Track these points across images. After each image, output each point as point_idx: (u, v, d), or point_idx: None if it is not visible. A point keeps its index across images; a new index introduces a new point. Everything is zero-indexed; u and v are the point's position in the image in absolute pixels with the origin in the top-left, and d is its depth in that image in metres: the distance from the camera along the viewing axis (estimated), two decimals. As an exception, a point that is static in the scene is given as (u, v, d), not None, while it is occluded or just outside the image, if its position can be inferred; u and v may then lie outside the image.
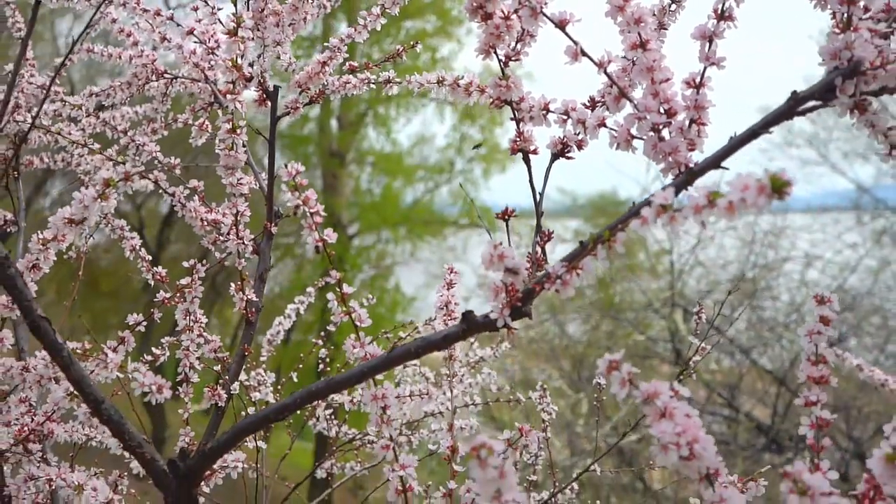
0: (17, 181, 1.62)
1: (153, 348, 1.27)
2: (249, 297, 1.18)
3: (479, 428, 1.64)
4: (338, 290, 0.86)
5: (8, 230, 1.60)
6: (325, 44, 1.39)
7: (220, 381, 1.19)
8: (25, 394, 1.13)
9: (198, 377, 1.19)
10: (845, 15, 0.69)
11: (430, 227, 11.01)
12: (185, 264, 1.17)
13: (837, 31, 0.69)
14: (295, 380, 1.94)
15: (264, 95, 1.32)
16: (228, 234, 1.21)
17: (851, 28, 0.69)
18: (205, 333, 1.23)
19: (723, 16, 0.77)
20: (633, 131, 0.79)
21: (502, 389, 1.98)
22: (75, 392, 1.01)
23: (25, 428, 1.14)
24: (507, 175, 10.54)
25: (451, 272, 1.17)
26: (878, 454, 0.51)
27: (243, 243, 1.18)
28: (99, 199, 0.96)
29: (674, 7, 0.89)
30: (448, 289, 1.14)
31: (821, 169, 8.69)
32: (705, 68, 0.77)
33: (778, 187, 0.53)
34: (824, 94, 0.69)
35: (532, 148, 0.88)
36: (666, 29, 0.88)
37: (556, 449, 6.56)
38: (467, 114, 10.47)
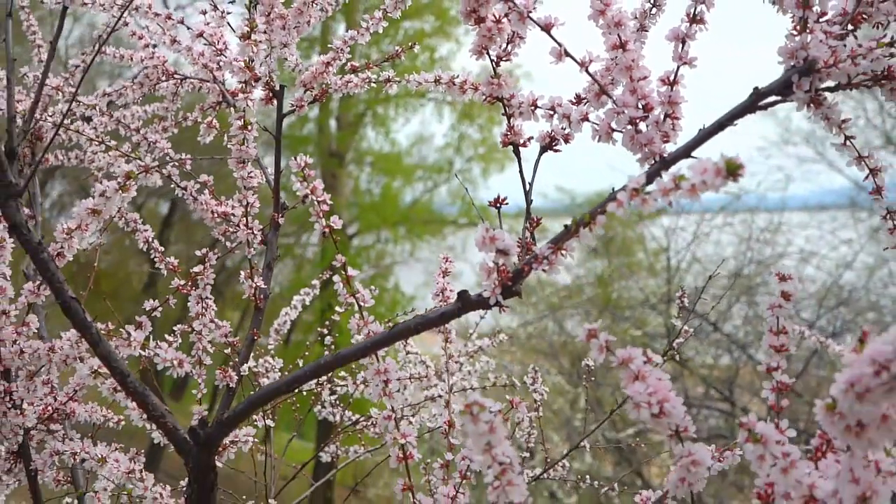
0: (34, 177, 1.69)
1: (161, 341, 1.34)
2: (258, 283, 1.25)
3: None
4: (343, 272, 0.94)
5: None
6: (328, 45, 1.46)
7: (231, 363, 1.26)
8: (49, 376, 1.20)
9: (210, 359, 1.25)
10: (801, 18, 0.76)
11: (430, 226, 11.08)
12: (198, 253, 1.24)
13: (794, 32, 0.76)
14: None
15: (271, 94, 1.39)
16: (238, 224, 1.28)
17: (807, 30, 0.76)
18: (215, 319, 1.30)
19: (694, 19, 0.85)
20: (613, 125, 0.87)
21: (499, 378, 2.05)
22: (99, 370, 1.09)
23: (49, 408, 1.21)
24: (505, 175, 10.62)
25: (447, 261, 1.24)
26: (820, 403, 0.58)
27: (253, 233, 1.25)
28: (120, 191, 1.03)
29: (654, 10, 0.96)
30: (443, 276, 1.21)
31: (818, 166, 8.76)
32: (678, 67, 0.84)
33: (732, 170, 0.60)
34: (783, 90, 0.76)
35: (522, 141, 0.95)
36: (646, 31, 0.96)
37: (555, 444, 6.63)
38: (466, 113, 10.53)
